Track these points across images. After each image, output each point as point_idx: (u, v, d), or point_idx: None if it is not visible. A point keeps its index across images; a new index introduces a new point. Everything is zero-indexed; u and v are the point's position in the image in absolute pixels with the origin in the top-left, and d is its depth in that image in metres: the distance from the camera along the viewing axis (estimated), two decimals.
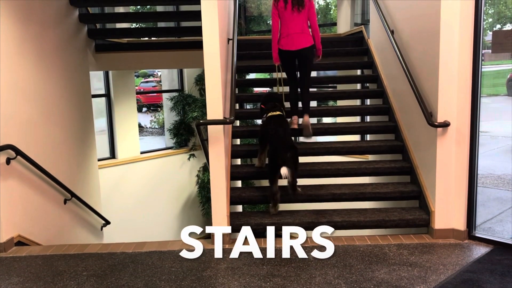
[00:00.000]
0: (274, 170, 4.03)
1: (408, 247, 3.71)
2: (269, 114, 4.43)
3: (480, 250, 3.62)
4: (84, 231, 5.81)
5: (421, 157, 4.27)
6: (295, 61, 4.81)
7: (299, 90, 4.92)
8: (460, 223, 3.85)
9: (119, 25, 7.67)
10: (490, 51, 4.00)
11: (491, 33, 4.28)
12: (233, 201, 4.24)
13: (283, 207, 4.25)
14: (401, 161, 4.71)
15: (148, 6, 12.92)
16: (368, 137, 6.91)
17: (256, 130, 5.53)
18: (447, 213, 3.87)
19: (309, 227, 3.99)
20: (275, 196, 4.11)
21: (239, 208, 6.76)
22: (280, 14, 4.70)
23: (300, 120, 4.89)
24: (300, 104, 4.93)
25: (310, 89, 5.00)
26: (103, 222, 6.43)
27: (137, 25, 10.20)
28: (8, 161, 3.92)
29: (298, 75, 4.91)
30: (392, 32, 4.84)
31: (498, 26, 5.00)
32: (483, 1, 3.69)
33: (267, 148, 4.37)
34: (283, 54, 4.77)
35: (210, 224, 4.00)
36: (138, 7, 13.62)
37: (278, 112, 4.43)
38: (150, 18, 7.67)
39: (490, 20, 4.84)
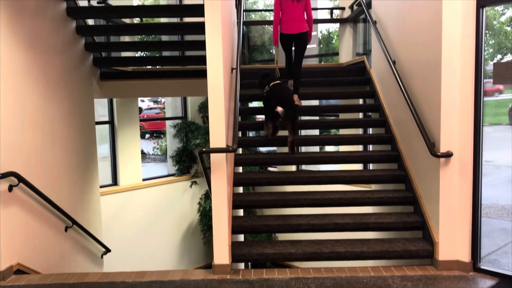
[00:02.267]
0: (270, 118, 5.07)
1: (412, 279, 3.65)
2: (272, 83, 5.31)
3: (486, 283, 3.56)
4: (84, 259, 5.75)
5: (424, 187, 4.25)
6: (292, 43, 5.79)
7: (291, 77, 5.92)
8: (464, 255, 3.81)
9: (124, 54, 7.79)
10: (491, 80, 4.02)
11: (492, 63, 4.32)
12: (234, 230, 4.21)
13: (285, 236, 4.22)
14: (404, 190, 4.68)
15: (153, 35, 13.12)
16: (371, 166, 6.89)
17: (259, 157, 5.54)
18: (451, 244, 3.83)
19: (311, 257, 3.96)
20: (269, 131, 5.20)
21: (241, 237, 6.70)
22: (282, 4, 5.68)
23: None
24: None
25: (299, 83, 5.86)
26: (104, 250, 6.38)
27: (142, 54, 10.35)
28: (10, 188, 3.92)
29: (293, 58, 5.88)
30: (394, 62, 4.89)
31: (499, 56, 5.05)
32: (483, 32, 3.74)
33: (271, 117, 5.15)
34: (284, 36, 5.76)
35: (211, 253, 3.96)
36: (143, 36, 13.83)
37: (278, 81, 5.33)
38: (155, 47, 7.79)
39: (491, 50, 4.89)
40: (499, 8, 4.65)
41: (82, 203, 5.73)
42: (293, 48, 5.85)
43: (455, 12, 3.75)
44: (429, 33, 4.04)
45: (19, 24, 4.15)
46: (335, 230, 4.27)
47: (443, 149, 3.81)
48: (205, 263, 9.79)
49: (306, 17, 5.75)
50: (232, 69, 5.10)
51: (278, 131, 5.27)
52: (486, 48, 3.88)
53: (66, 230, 5.06)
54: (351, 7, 7.92)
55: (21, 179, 4.02)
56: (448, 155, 3.76)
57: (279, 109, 4.85)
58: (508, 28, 4.97)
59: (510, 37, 4.92)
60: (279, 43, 5.82)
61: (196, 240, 9.73)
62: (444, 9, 3.76)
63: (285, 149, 5.13)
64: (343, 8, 8.22)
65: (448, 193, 3.82)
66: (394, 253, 3.96)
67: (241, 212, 6.65)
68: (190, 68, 7.36)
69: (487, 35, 4.01)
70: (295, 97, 5.70)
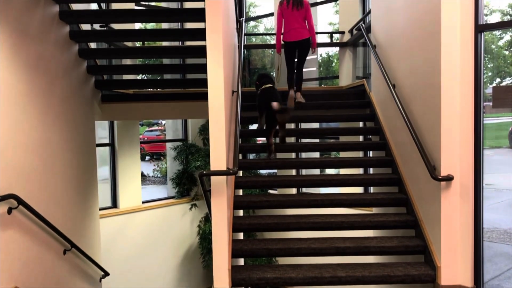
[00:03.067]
0: (269, 127, 5.30)
1: None
2: (263, 86, 5.64)
3: None
4: (83, 283, 5.68)
5: (425, 210, 4.23)
6: (295, 50, 6.18)
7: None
8: (467, 280, 3.76)
9: (126, 76, 7.85)
10: (491, 103, 4.05)
11: (491, 86, 4.35)
12: (234, 254, 4.17)
13: (285, 260, 4.18)
14: (405, 214, 4.66)
15: (154, 58, 13.26)
16: (372, 189, 6.87)
17: (259, 180, 5.53)
18: (454, 268, 3.79)
19: (312, 282, 3.91)
20: (271, 147, 5.32)
21: (241, 261, 6.63)
22: (284, 13, 6.11)
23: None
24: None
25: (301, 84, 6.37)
26: (102, 273, 6.31)
27: (144, 77, 10.44)
28: (9, 210, 3.90)
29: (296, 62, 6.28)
30: (394, 86, 4.93)
31: (498, 79, 5.09)
32: (482, 56, 3.78)
33: (263, 113, 5.50)
34: (287, 44, 6.15)
35: (211, 276, 3.92)
36: (145, 59, 13.99)
37: (270, 85, 5.65)
38: (156, 70, 7.86)
39: (490, 74, 4.93)
40: (497, 32, 4.71)
41: (81, 225, 5.69)
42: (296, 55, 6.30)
43: (454, 36, 3.79)
44: (428, 57, 4.08)
45: (23, 47, 4.20)
46: (336, 254, 4.23)
47: (443, 172, 3.80)
48: (204, 287, 9.67)
49: (307, 25, 6.12)
50: (233, 91, 5.13)
51: (273, 151, 5.40)
52: (485, 72, 3.92)
53: (64, 253, 5.01)
54: (351, 31, 8.02)
55: (20, 201, 4.00)
56: (449, 178, 3.76)
57: (274, 104, 5.16)
58: (507, 52, 5.03)
59: (509, 61, 4.97)
60: (283, 51, 6.30)
61: (196, 264, 9.63)
62: (442, 34, 3.81)
63: (286, 172, 5.13)
64: (342, 32, 8.32)
65: (450, 217, 3.80)
66: (396, 278, 3.91)
67: (241, 236, 6.60)
68: (191, 90, 7.41)
69: (486, 59, 4.06)
70: (298, 94, 6.22)
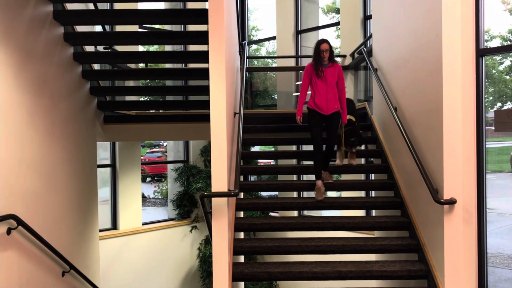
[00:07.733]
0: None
1: None
2: None
3: None
4: None
5: (428, 234, 4.18)
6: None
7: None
8: None
9: (128, 98, 7.88)
10: (492, 127, 4.05)
11: (492, 110, 4.36)
12: (235, 277, 4.12)
13: (286, 284, 4.11)
14: (408, 238, 4.61)
15: (157, 80, 13.35)
16: (374, 212, 6.82)
17: (260, 202, 5.48)
18: None
19: None
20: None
21: (241, 285, 6.54)
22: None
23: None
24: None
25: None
26: None
27: (146, 98, 10.48)
28: (9, 231, 3.87)
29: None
30: (395, 109, 4.93)
31: (499, 104, 5.11)
32: (483, 80, 3.80)
33: None
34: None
35: None
36: (148, 81, 14.08)
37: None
38: (159, 92, 7.90)
39: (491, 98, 4.96)
40: (497, 57, 4.74)
41: (80, 247, 5.63)
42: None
43: (455, 60, 3.82)
44: (430, 81, 4.10)
45: (26, 68, 4.23)
46: (338, 278, 4.17)
47: (446, 196, 3.78)
48: None
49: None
50: (235, 113, 5.15)
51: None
52: (486, 96, 3.93)
53: (63, 275, 4.94)
54: (352, 55, 8.09)
55: (20, 222, 3.97)
56: (452, 202, 3.73)
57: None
58: (507, 77, 5.05)
59: (509, 85, 4.99)
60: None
61: (195, 287, 9.50)
62: (444, 58, 3.83)
63: (287, 194, 5.06)
64: (344, 56, 8.39)
65: (453, 241, 3.75)
66: None
67: (241, 259, 6.52)
68: (193, 112, 7.43)
69: (487, 83, 4.08)
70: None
